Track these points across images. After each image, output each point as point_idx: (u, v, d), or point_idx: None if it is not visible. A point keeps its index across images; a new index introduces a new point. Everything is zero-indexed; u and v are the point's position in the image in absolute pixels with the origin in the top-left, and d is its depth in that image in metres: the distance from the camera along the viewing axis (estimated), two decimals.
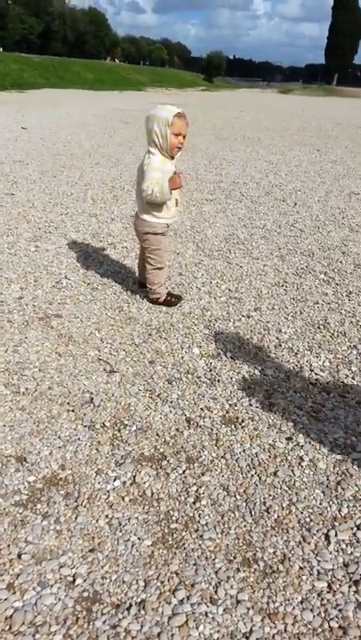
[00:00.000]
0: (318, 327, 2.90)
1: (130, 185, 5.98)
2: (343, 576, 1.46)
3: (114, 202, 5.30)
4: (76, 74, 34.25)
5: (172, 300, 3.07)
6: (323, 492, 1.76)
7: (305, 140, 10.67)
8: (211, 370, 2.45)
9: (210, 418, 2.11)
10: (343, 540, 1.57)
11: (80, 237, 4.19)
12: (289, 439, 2.01)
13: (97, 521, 1.61)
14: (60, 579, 1.42)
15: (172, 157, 2.73)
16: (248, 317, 2.98)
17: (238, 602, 1.37)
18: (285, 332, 2.82)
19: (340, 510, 1.68)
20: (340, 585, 1.43)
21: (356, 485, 1.79)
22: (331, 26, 66.50)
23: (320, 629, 1.32)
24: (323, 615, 1.35)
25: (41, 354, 2.50)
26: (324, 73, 68.96)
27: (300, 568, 1.48)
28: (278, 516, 1.65)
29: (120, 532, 1.57)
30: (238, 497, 1.72)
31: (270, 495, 1.73)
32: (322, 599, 1.39)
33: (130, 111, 15.75)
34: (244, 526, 1.61)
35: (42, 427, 2.01)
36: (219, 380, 2.37)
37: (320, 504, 1.71)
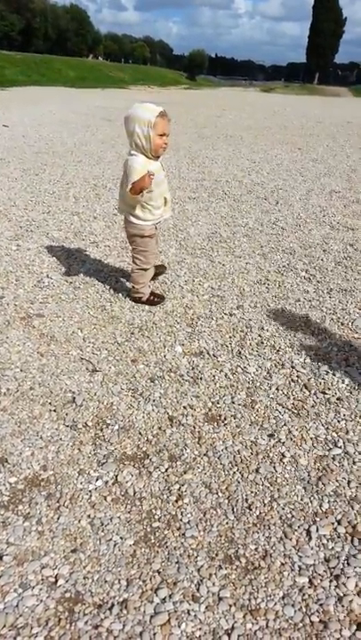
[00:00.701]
0: (300, 324, 2.92)
1: (112, 183, 5.95)
2: (324, 571, 1.47)
3: (96, 200, 5.27)
4: (58, 71, 34.03)
5: (154, 300, 3.07)
6: (304, 488, 1.77)
7: (287, 139, 10.73)
8: (193, 368, 2.45)
9: (192, 416, 2.12)
10: (324, 536, 1.59)
11: (62, 236, 4.16)
12: (271, 436, 2.02)
13: (79, 521, 1.60)
14: (42, 580, 1.42)
15: (158, 157, 2.70)
16: (231, 315, 2.99)
17: (220, 599, 1.38)
18: (267, 330, 2.84)
19: (320, 506, 1.70)
20: (321, 580, 1.45)
21: (337, 481, 1.81)
22: (312, 25, 66.84)
23: (301, 624, 1.33)
24: (304, 610, 1.36)
25: (22, 354, 2.48)
26: (305, 72, 69.34)
27: (282, 564, 1.49)
28: (260, 513, 1.66)
29: (102, 531, 1.57)
30: (220, 494, 1.73)
31: (252, 492, 1.74)
32: (303, 594, 1.40)
33: (112, 109, 15.68)
34: (227, 523, 1.62)
35: (23, 427, 1.99)
36: (201, 378, 2.37)
37: (301, 500, 1.72)
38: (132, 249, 2.95)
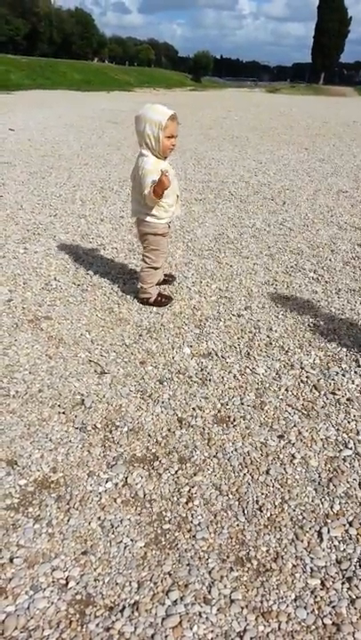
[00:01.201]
0: (308, 325, 2.91)
1: (118, 185, 5.96)
2: (336, 573, 1.46)
3: (103, 203, 5.28)
4: (63, 75, 34.13)
5: (162, 301, 3.07)
6: (315, 490, 1.76)
7: (293, 139, 10.71)
8: (202, 369, 2.45)
9: (202, 417, 2.11)
10: (336, 537, 1.58)
11: (69, 239, 4.17)
12: (281, 437, 2.01)
13: (89, 523, 1.60)
14: (53, 582, 1.42)
15: (165, 158, 2.72)
16: (239, 316, 2.98)
17: (232, 601, 1.37)
18: (276, 331, 2.82)
19: (332, 507, 1.69)
20: (333, 582, 1.44)
21: (348, 482, 1.79)
22: (317, 25, 66.74)
23: (314, 627, 1.32)
24: (316, 613, 1.35)
25: (31, 356, 2.49)
26: (311, 72, 69.22)
27: (294, 566, 1.48)
28: (271, 515, 1.65)
29: (112, 533, 1.57)
30: (231, 496, 1.72)
31: (263, 493, 1.73)
32: (315, 597, 1.39)
33: (118, 111, 15.73)
34: (237, 525, 1.61)
35: (32, 429, 2.00)
36: (210, 380, 2.36)
37: (312, 501, 1.71)
38: (144, 247, 2.98)
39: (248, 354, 2.59)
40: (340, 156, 8.71)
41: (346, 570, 1.47)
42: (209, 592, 1.40)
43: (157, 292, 3.08)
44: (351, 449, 1.96)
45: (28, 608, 1.34)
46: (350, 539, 1.58)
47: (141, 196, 2.69)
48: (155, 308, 3.02)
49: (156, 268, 2.99)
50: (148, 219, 2.81)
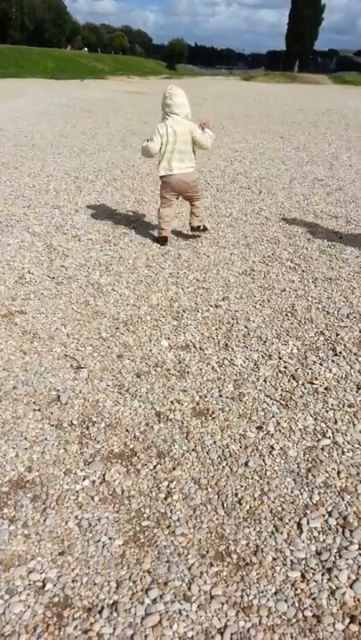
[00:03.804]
0: (286, 314, 2.90)
1: (93, 175, 5.87)
2: (316, 564, 1.46)
3: (77, 193, 5.19)
4: (37, 63, 33.47)
5: (162, 239, 3.89)
6: (294, 480, 1.75)
7: (268, 128, 10.68)
8: (180, 362, 2.42)
9: (180, 411, 2.09)
10: (315, 528, 1.57)
11: (43, 230, 4.08)
12: (259, 428, 2.00)
13: (66, 523, 1.57)
14: (30, 585, 1.38)
15: None
16: (216, 307, 2.96)
17: (212, 597, 1.36)
18: (254, 321, 2.81)
19: (311, 498, 1.69)
20: (313, 574, 1.43)
21: (327, 472, 1.79)
22: (291, 12, 66.53)
23: (294, 620, 1.31)
24: (297, 605, 1.35)
25: (4, 352, 2.43)
26: (285, 59, 69.07)
27: (274, 559, 1.47)
28: (250, 507, 1.64)
29: (90, 532, 1.54)
30: (210, 490, 1.70)
31: (242, 486, 1.72)
32: (296, 589, 1.39)
33: (93, 100, 15.49)
34: (217, 519, 1.60)
35: (7, 428, 1.95)
36: (188, 372, 2.34)
37: (291, 492, 1.71)
38: (193, 192, 3.82)
39: (226, 345, 2.57)
40: (316, 144, 8.71)
41: (326, 561, 1.47)
42: (189, 589, 1.38)
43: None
44: (330, 438, 1.96)
45: (4, 613, 1.30)
46: (330, 529, 1.57)
47: (201, 143, 3.69)
48: (131, 301, 2.98)
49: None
50: (195, 169, 3.78)
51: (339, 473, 1.79)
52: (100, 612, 1.32)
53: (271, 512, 1.63)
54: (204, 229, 4.03)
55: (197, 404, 2.14)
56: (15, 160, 6.50)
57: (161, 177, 3.74)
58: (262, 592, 1.38)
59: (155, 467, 1.79)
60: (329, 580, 1.42)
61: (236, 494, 1.69)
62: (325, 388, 2.27)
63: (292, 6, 66.01)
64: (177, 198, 3.85)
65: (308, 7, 64.19)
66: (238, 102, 17.85)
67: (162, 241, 3.88)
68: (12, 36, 50.86)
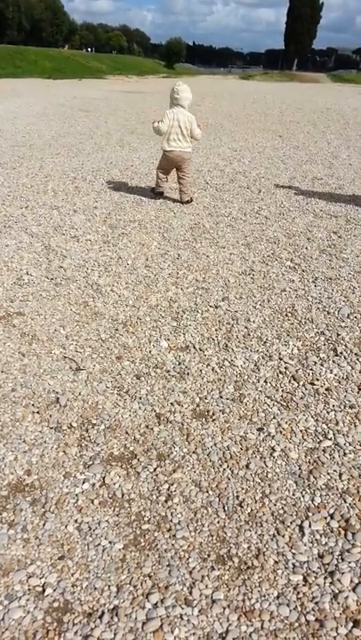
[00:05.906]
0: (286, 315, 2.89)
1: (92, 175, 5.85)
2: (318, 568, 1.45)
3: (76, 193, 5.17)
4: (34, 62, 33.39)
5: (158, 193, 5.08)
6: (295, 483, 1.74)
7: (267, 127, 10.66)
8: (180, 363, 2.41)
9: (180, 412, 2.07)
10: (317, 531, 1.56)
11: (41, 231, 4.07)
12: (260, 430, 1.99)
13: (66, 527, 1.55)
14: (29, 590, 1.37)
15: None
16: (216, 307, 2.94)
17: (214, 601, 1.35)
18: (254, 322, 2.80)
19: (313, 500, 1.67)
20: (315, 577, 1.42)
21: (328, 474, 1.78)
22: (289, 11, 66.51)
23: (297, 624, 1.30)
24: (299, 609, 1.33)
25: (3, 354, 2.41)
26: (283, 58, 69.00)
27: (275, 562, 1.46)
28: (252, 510, 1.63)
29: (90, 536, 1.52)
30: (211, 492, 1.69)
31: (243, 488, 1.71)
32: (298, 593, 1.37)
33: (91, 99, 15.46)
34: (218, 522, 1.58)
35: (5, 431, 1.93)
36: (188, 374, 2.33)
37: (293, 494, 1.69)
38: (185, 168, 4.80)
39: (226, 346, 2.56)
40: (315, 143, 8.70)
41: (328, 564, 1.46)
42: (190, 593, 1.37)
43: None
44: (331, 439, 1.95)
45: (3, 619, 1.29)
46: (332, 532, 1.56)
47: (194, 133, 4.72)
48: (130, 302, 2.97)
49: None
50: (191, 148, 4.79)
51: (341, 475, 1.78)
52: (100, 617, 1.30)
53: (273, 515, 1.61)
54: (191, 200, 4.98)
55: (198, 405, 2.12)
56: (13, 160, 6.49)
57: (165, 151, 4.77)
58: (264, 596, 1.36)
59: (155, 469, 1.78)
60: (331, 583, 1.40)
61: (238, 497, 1.67)
62: (326, 389, 2.25)
63: (290, 5, 65.98)
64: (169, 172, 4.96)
65: (306, 6, 64.18)
66: (237, 101, 17.83)
67: (158, 195, 5.05)
68: (10, 36, 50.76)
